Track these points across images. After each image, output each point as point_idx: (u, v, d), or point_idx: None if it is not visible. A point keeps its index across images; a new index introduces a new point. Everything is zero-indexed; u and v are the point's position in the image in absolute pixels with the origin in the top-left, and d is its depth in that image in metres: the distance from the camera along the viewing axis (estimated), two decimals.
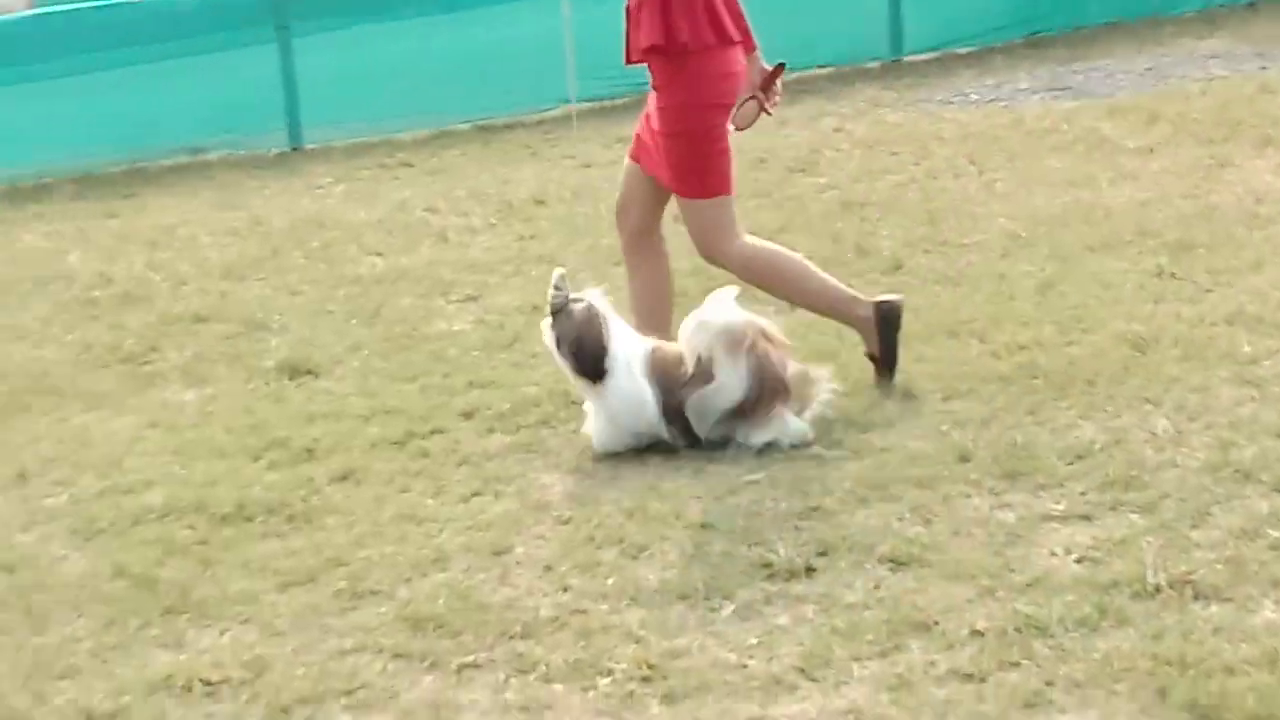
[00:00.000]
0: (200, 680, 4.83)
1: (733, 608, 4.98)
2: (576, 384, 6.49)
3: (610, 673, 4.64)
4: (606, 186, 11.01)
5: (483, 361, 7.59)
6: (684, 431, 6.31)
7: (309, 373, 7.65)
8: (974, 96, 13.36)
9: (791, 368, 6.29)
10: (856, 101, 13.59)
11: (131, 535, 5.96)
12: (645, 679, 4.60)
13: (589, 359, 6.33)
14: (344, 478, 6.32)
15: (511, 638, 4.89)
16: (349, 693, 4.68)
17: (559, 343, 6.40)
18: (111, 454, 6.82)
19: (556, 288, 6.41)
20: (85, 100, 13.92)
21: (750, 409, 6.21)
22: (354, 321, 8.50)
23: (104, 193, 12.88)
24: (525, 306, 8.20)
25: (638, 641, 4.80)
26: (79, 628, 5.25)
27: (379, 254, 9.92)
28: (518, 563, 5.43)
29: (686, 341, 6.29)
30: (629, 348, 6.37)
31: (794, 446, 6.18)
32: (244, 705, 4.68)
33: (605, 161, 12.09)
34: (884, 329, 6.67)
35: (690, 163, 6.63)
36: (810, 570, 5.17)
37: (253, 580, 5.48)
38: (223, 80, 14.08)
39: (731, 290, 6.30)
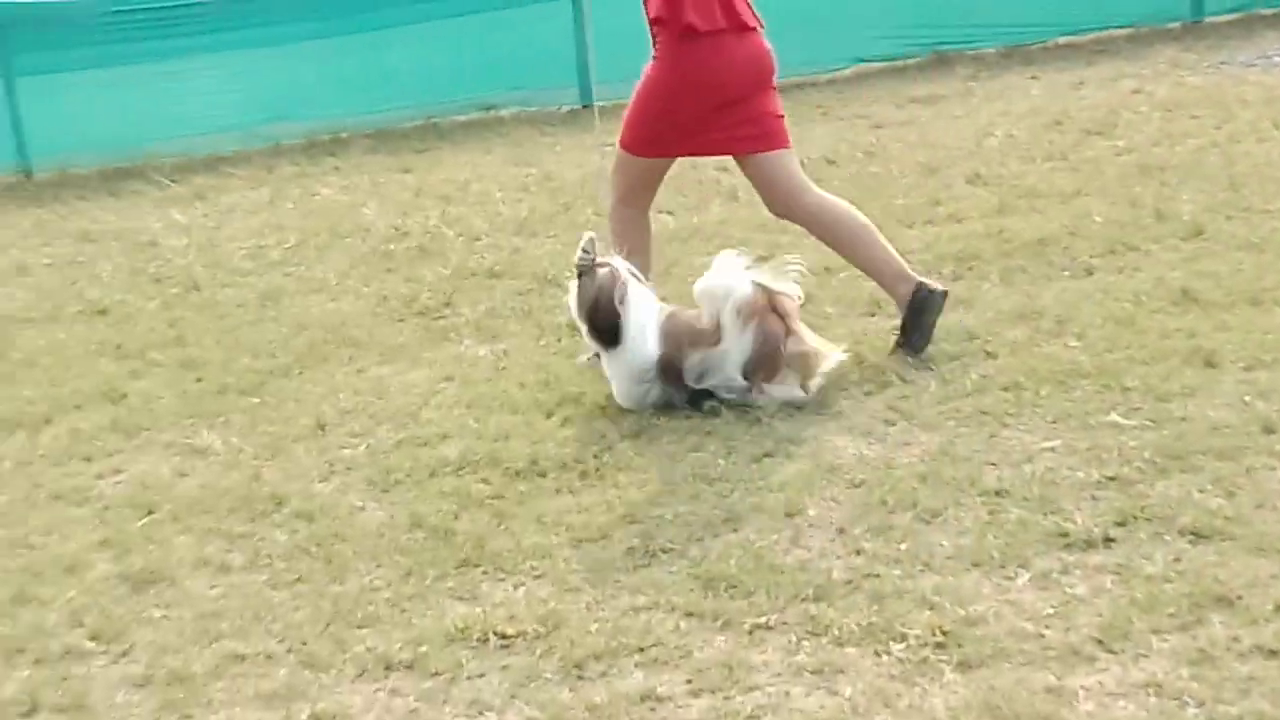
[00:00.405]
0: (495, 633, 4.88)
1: (1028, 576, 4.88)
2: (593, 344, 6.77)
3: (904, 638, 4.59)
4: (898, 146, 10.93)
5: None
6: (678, 389, 6.56)
7: None
8: (1278, 59, 12.95)
9: (795, 342, 6.49)
10: (1156, 63, 13.27)
11: (428, 487, 6.05)
12: (939, 645, 4.54)
13: (605, 324, 6.59)
14: (636, 435, 6.34)
15: (804, 600, 4.86)
16: (642, 650, 4.69)
17: (579, 305, 6.64)
18: (408, 406, 6.94)
19: (584, 250, 6.62)
20: (381, 57, 14.16)
21: (752, 375, 6.48)
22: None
23: (398, 147, 13.11)
24: (817, 268, 8.13)
25: (932, 608, 4.73)
26: (377, 577, 5.34)
27: (670, 212, 9.92)
28: (810, 525, 5.40)
29: (697, 301, 6.54)
30: (644, 313, 6.60)
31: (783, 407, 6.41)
32: (538, 659, 4.72)
33: (897, 122, 11.98)
34: (913, 311, 6.84)
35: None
36: (1108, 540, 5.05)
37: (546, 535, 5.53)
38: (516, 37, 14.23)
39: (733, 253, 6.54)
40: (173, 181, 12.47)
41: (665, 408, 6.56)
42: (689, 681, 4.51)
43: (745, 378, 6.49)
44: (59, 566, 5.63)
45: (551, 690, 4.54)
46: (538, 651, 4.77)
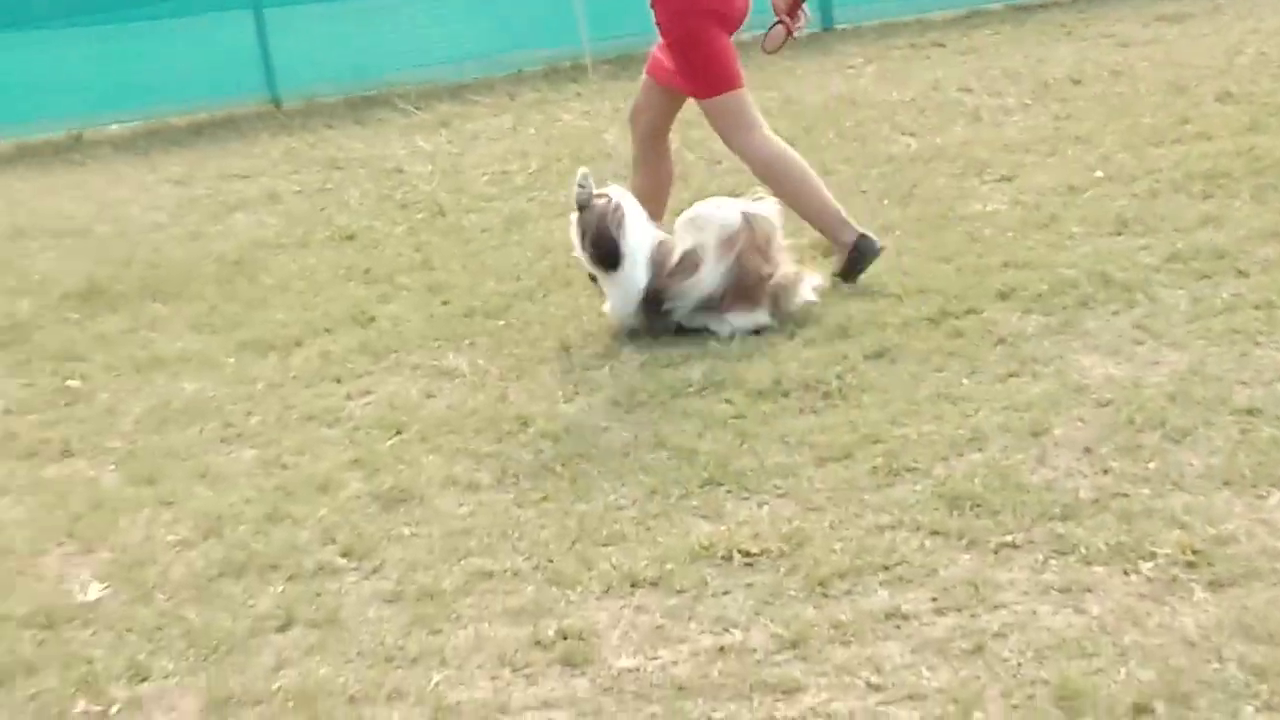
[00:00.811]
0: (739, 550, 4.90)
1: None
2: (594, 270, 7.08)
3: (1153, 557, 4.51)
4: (1144, 65, 10.69)
5: (1018, 242, 7.44)
6: (659, 316, 6.87)
7: None
8: None
9: (777, 274, 6.77)
10: None
11: (671, 407, 6.07)
12: (1190, 564, 4.45)
13: (604, 251, 6.91)
14: (878, 355, 6.30)
15: (1050, 519, 4.80)
16: (886, 568, 4.67)
17: (581, 235, 6.97)
18: None
19: (580, 185, 6.98)
20: None
21: (721, 304, 6.76)
22: (887, 201, 8.45)
23: (638, 73, 13.07)
24: (1061, 187, 8.01)
25: (1182, 527, 4.65)
26: (622, 496, 5.38)
27: (912, 134, 9.83)
28: (1056, 444, 5.32)
29: (679, 232, 6.89)
30: (639, 240, 6.91)
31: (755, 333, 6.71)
32: (782, 577, 4.73)
33: (1144, 40, 11.72)
34: (854, 259, 7.19)
35: (693, 65, 7.30)
36: None
37: (790, 454, 5.53)
38: None
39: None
40: (417, 109, 12.63)
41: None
42: (934, 599, 4.49)
43: (717, 306, 6.77)
44: (311, 485, 5.76)
45: (796, 607, 4.55)
46: (782, 569, 4.77)
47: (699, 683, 4.27)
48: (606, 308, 7.09)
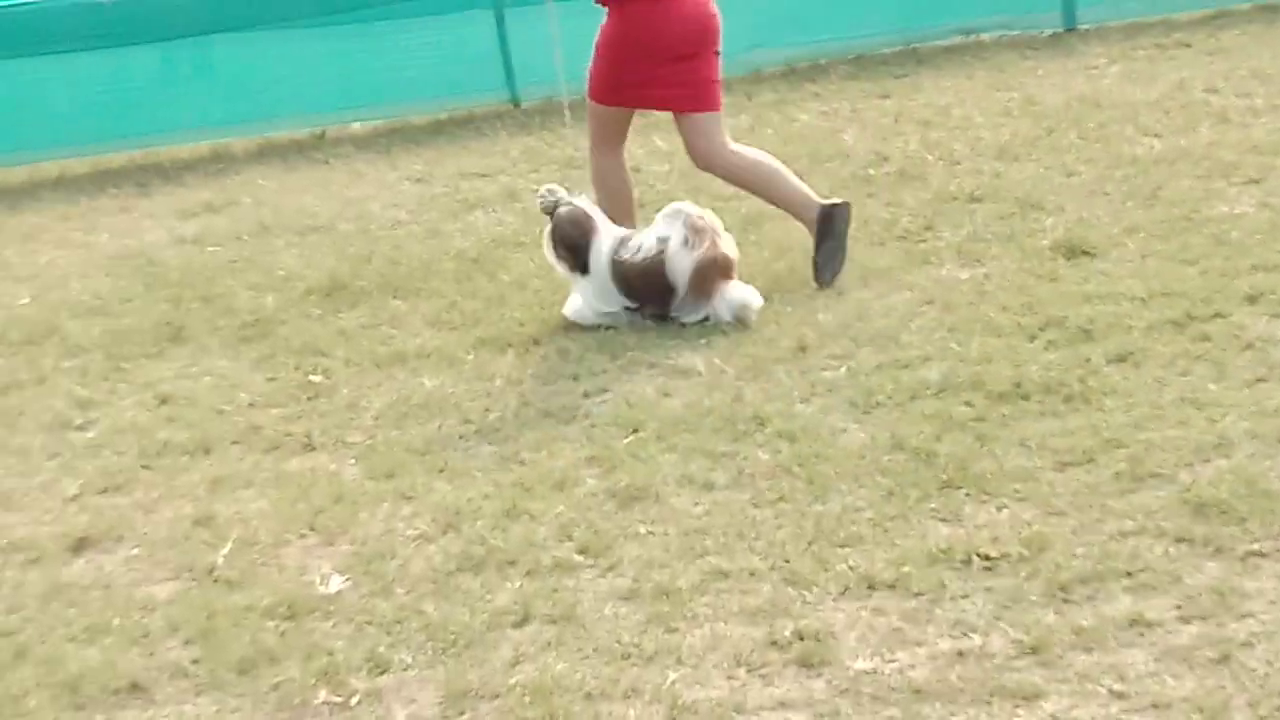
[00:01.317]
0: (978, 554, 4.84)
1: None
2: (564, 274, 7.58)
3: None
4: None
5: (1266, 245, 7.26)
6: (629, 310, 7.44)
7: (1085, 253, 7.51)
8: None
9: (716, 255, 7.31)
10: None
11: (909, 409, 6.02)
12: None
13: (571, 254, 7.49)
14: (1122, 359, 6.18)
15: None
16: (1129, 574, 4.59)
17: (553, 241, 7.57)
18: (888, 329, 6.91)
19: (543, 196, 7.68)
20: None
21: (687, 292, 7.29)
22: (1130, 203, 8.29)
23: (878, 73, 13.02)
24: None
25: None
26: (859, 498, 5.34)
27: (1156, 135, 9.64)
28: None
29: (660, 220, 7.44)
30: (606, 245, 7.45)
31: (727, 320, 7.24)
32: (1022, 581, 4.66)
33: None
34: (821, 231, 7.71)
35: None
36: None
37: (1030, 458, 5.45)
38: None
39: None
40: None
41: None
42: (1178, 607, 4.40)
43: (683, 293, 7.30)
44: (548, 482, 5.79)
45: (1036, 613, 4.48)
46: (1022, 574, 4.71)
47: (937, 687, 4.23)
48: (567, 308, 7.57)
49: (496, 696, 4.44)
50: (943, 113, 11.19)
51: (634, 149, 10.84)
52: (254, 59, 14.03)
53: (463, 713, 4.40)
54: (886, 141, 10.48)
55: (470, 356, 7.23)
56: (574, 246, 7.52)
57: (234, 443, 6.56)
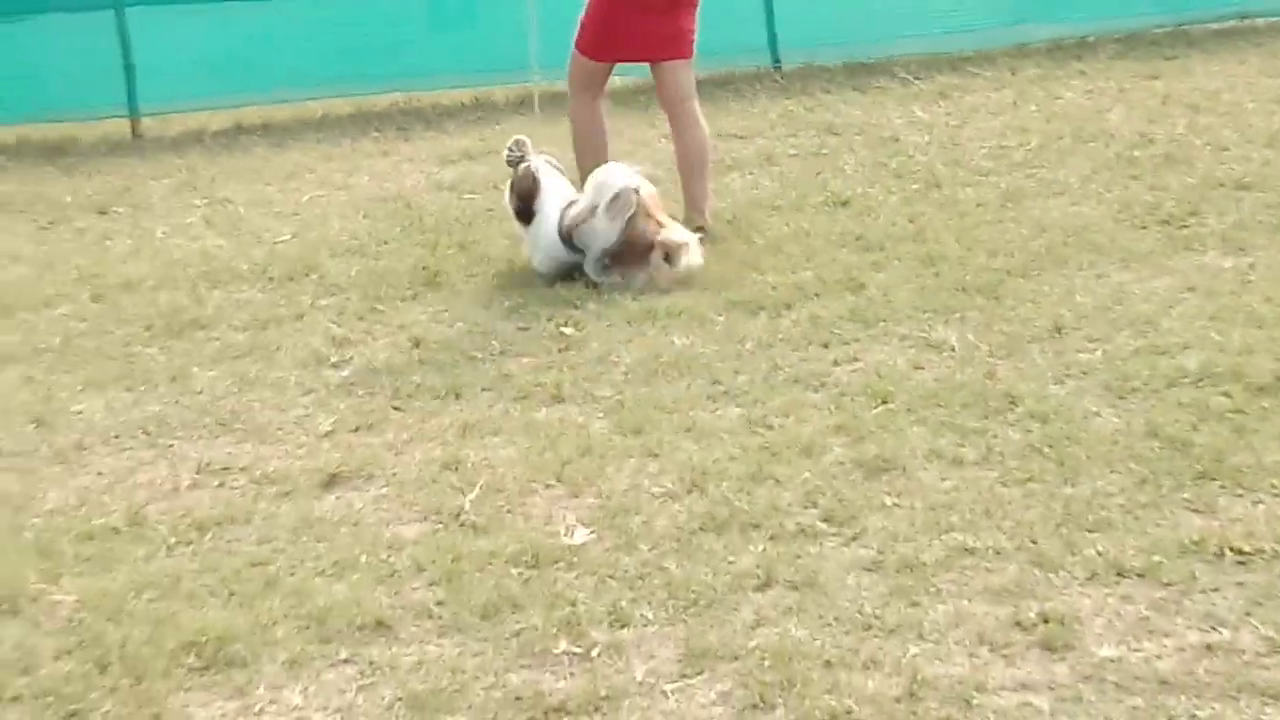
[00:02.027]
0: (1231, 548, 4.75)
1: None
2: (514, 223, 8.34)
3: None
4: None
5: None
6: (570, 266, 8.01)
7: None
8: None
9: (660, 237, 7.80)
10: None
11: (1166, 397, 5.91)
12: None
13: (520, 208, 8.21)
14: None
15: None
16: None
17: (510, 192, 8.30)
18: (1148, 314, 6.78)
19: (509, 150, 8.37)
20: None
21: (614, 259, 7.81)
22: None
23: (1147, 54, 12.77)
24: None
25: None
26: (1110, 483, 5.26)
27: None
28: None
29: (587, 191, 8.02)
30: (553, 202, 8.10)
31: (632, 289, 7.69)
32: (1276, 578, 4.57)
33: None
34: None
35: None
36: None
37: None
38: None
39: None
40: (917, 79, 12.54)
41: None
42: None
43: (608, 262, 7.83)
44: (795, 448, 5.78)
45: None
46: (1276, 571, 4.62)
47: (1183, 679, 4.16)
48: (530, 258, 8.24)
49: (735, 658, 4.45)
50: (1212, 97, 10.95)
51: (893, 119, 10.79)
52: (515, 9, 14.15)
53: (701, 671, 4.41)
54: (1153, 123, 10.28)
55: (721, 318, 7.23)
56: (526, 199, 8.20)
57: (484, 389, 6.63)
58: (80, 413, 6.67)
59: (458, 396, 6.57)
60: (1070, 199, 8.70)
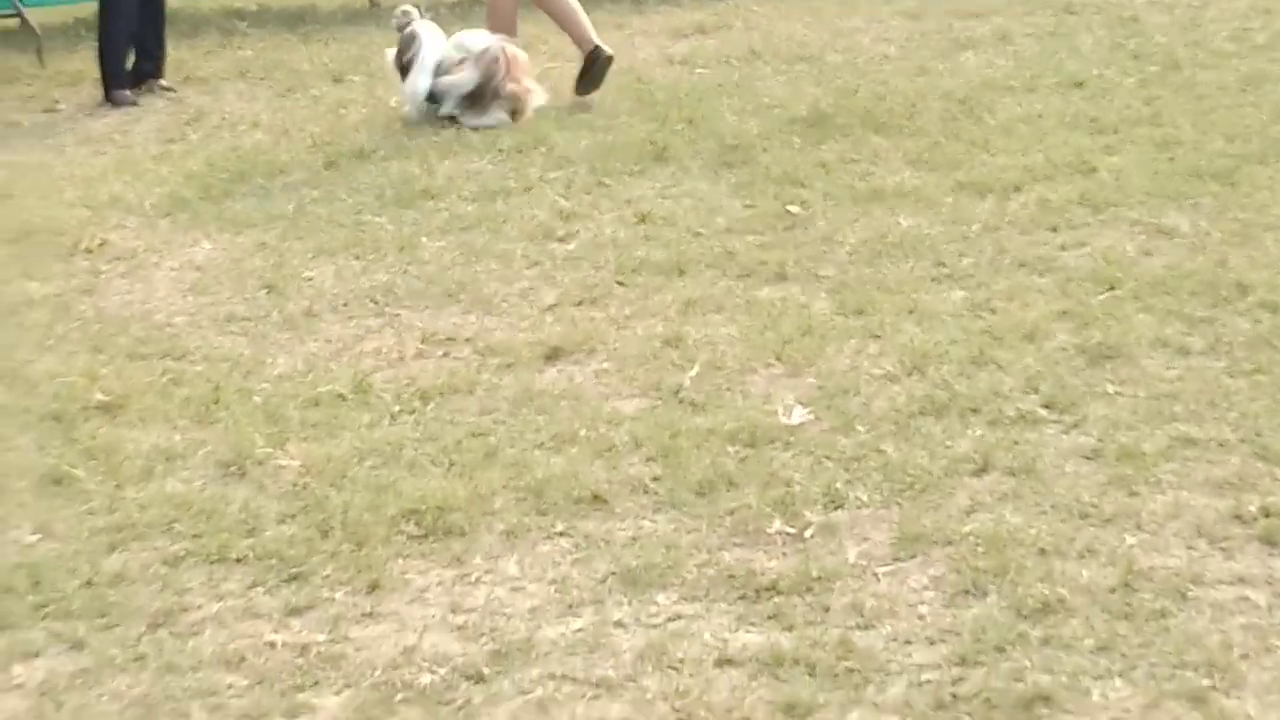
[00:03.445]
0: None
1: None
2: (395, 78, 9.33)
3: None
4: None
5: None
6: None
7: None
8: None
9: (514, 85, 8.99)
10: None
11: None
12: None
13: (401, 62, 9.22)
14: None
15: None
16: None
17: (397, 50, 9.29)
18: None
19: (398, 15, 9.34)
20: None
21: (472, 100, 8.95)
22: None
23: None
24: None
25: None
26: None
27: None
28: None
29: (450, 48, 9.17)
30: (429, 56, 9.10)
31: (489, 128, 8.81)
32: None
33: None
34: (588, 66, 9.40)
35: None
36: None
37: None
38: None
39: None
40: None
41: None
42: None
43: (469, 101, 8.95)
44: (1018, 332, 5.72)
45: None
46: None
47: None
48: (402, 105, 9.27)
49: (949, 543, 4.44)
50: None
51: None
52: None
53: (914, 555, 4.41)
54: None
55: (949, 199, 7.16)
56: (405, 55, 9.17)
57: (708, 266, 6.64)
58: (310, 279, 6.80)
59: (681, 273, 6.59)
60: None
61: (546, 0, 9.59)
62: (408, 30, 9.28)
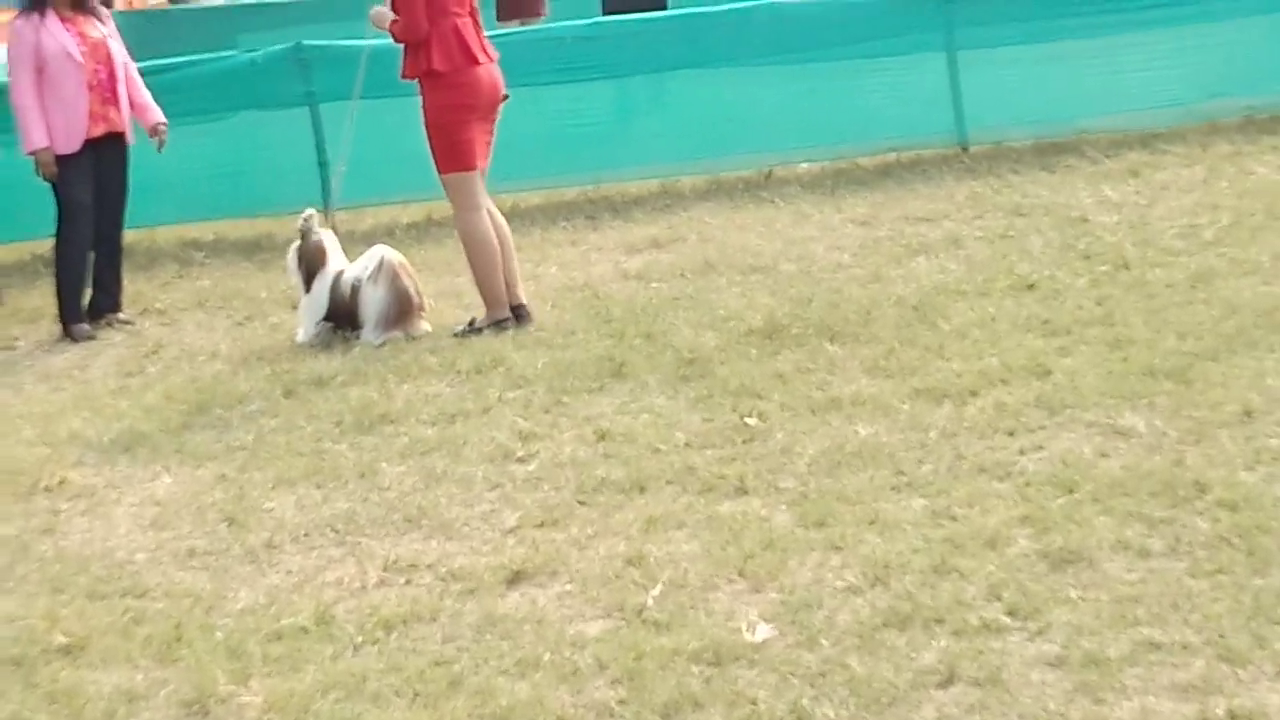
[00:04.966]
0: None
1: None
2: (296, 289, 9.61)
3: None
4: None
5: None
6: (350, 329, 9.40)
7: None
8: None
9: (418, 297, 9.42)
10: None
11: None
12: None
13: (306, 276, 9.47)
14: None
15: None
16: None
17: (298, 261, 9.54)
18: None
19: (304, 220, 9.55)
20: None
21: (389, 321, 9.29)
22: None
23: None
24: None
25: None
26: None
27: None
28: None
29: (361, 259, 9.52)
30: (330, 273, 9.44)
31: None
32: None
33: None
34: (495, 325, 9.25)
35: (436, 146, 9.24)
36: None
37: None
38: None
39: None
40: (1106, 157, 12.40)
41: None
42: None
43: (380, 322, 9.25)
44: (980, 539, 5.74)
45: None
46: None
47: None
48: (299, 334, 9.52)
49: None
50: None
51: (1082, 199, 10.69)
52: (706, 96, 14.22)
53: None
54: None
55: (906, 406, 7.20)
56: (312, 271, 9.43)
57: (669, 482, 6.65)
58: (271, 510, 6.80)
59: (642, 490, 6.60)
60: (1262, 278, 8.54)
61: (504, 235, 9.55)
62: (315, 240, 9.52)
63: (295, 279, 9.60)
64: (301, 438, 7.66)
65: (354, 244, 11.32)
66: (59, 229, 10.40)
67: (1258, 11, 13.59)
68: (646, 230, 11.79)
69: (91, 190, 10.33)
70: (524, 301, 9.46)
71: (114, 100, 10.38)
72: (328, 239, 9.65)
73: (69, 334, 10.19)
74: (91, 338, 10.12)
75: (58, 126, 10.18)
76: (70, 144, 10.21)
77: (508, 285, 9.41)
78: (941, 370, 7.61)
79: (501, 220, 9.57)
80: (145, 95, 10.67)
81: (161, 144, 10.61)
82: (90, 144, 10.27)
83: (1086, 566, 5.44)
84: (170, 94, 11.23)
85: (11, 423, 8.37)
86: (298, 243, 9.61)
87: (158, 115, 10.62)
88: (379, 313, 9.28)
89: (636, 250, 11.25)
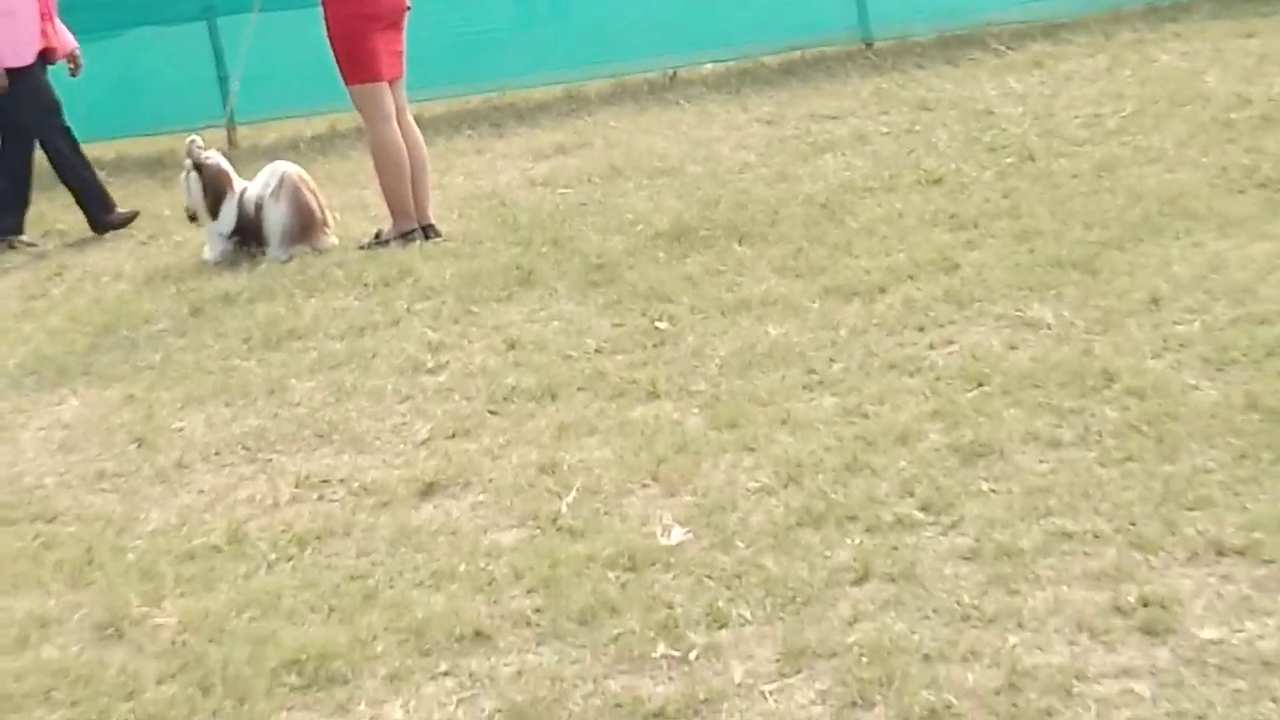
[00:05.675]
0: None
1: None
2: (199, 214, 9.58)
3: None
4: None
5: None
6: (256, 245, 9.42)
7: None
8: None
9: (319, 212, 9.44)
10: None
11: (1265, 367, 5.82)
12: None
13: (212, 203, 9.48)
14: None
15: None
16: None
17: (201, 188, 9.53)
18: (1245, 282, 6.68)
19: (193, 148, 9.58)
20: None
21: (294, 237, 9.31)
22: None
23: (1242, 11, 12.56)
24: None
25: None
26: (1210, 459, 5.19)
27: None
28: None
29: (261, 175, 9.53)
30: (233, 195, 9.46)
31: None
32: None
33: None
34: (401, 237, 9.21)
35: (341, 56, 9.13)
36: None
37: None
38: None
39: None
40: (1010, 49, 12.41)
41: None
42: None
43: (284, 238, 9.29)
44: (891, 435, 5.74)
45: None
46: None
47: None
48: (206, 251, 9.54)
49: (834, 655, 4.42)
50: None
51: (987, 92, 10.68)
52: (608, 2, 14.16)
53: (799, 670, 4.39)
54: (1250, 84, 10.11)
55: (815, 305, 7.20)
56: (218, 196, 9.46)
57: (580, 389, 6.63)
58: (180, 430, 6.74)
59: (554, 397, 6.58)
60: (1166, 165, 8.57)
61: (418, 152, 9.51)
62: (214, 165, 9.56)
63: (199, 207, 9.56)
64: (209, 356, 7.59)
65: (257, 159, 11.25)
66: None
67: None
68: (552, 136, 11.76)
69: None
70: (433, 222, 9.37)
71: (49, 16, 10.42)
72: (223, 160, 9.67)
73: None
74: None
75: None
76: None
77: (418, 204, 9.33)
78: (850, 268, 7.61)
79: (418, 135, 9.48)
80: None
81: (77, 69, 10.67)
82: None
83: (997, 459, 5.45)
84: (66, 12, 11.08)
85: None
86: (193, 171, 9.56)
87: (73, 42, 10.65)
88: (283, 229, 9.31)
89: (543, 157, 11.21)
